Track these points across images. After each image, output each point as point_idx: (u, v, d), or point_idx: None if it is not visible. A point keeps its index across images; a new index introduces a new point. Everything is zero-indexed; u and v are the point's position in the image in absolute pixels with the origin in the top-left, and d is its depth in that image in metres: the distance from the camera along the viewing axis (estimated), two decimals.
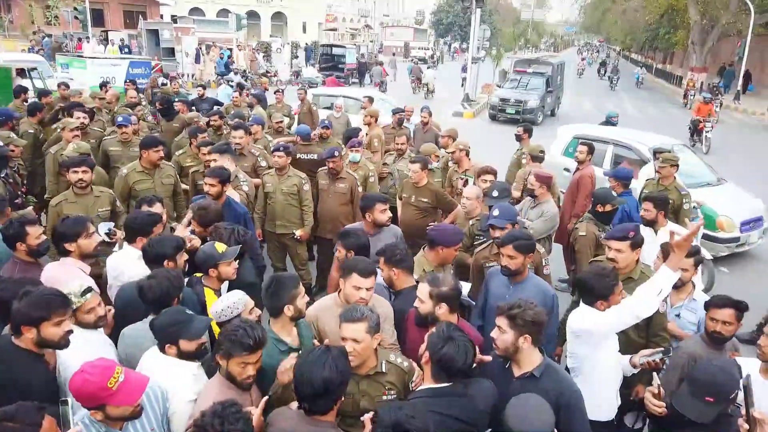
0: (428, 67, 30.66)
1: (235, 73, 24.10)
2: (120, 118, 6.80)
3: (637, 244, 3.77)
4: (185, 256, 3.63)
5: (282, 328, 2.95)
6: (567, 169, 8.81)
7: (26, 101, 8.98)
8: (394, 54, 47.13)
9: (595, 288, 3.21)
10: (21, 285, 2.83)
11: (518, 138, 8.08)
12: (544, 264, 4.38)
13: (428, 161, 6.11)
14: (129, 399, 2.20)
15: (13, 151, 6.01)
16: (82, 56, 19.27)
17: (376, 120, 8.90)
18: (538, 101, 20.01)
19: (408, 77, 29.54)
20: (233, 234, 3.90)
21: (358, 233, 3.94)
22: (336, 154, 5.95)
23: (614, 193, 5.25)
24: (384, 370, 2.79)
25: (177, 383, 2.62)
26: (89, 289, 2.86)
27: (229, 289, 3.46)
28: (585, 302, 3.28)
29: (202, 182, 5.09)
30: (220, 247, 3.56)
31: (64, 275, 3.33)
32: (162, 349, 2.70)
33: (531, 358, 2.70)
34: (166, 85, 15.19)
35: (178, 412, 2.58)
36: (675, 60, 45.58)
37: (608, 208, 5.12)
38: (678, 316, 3.99)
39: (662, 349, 3.21)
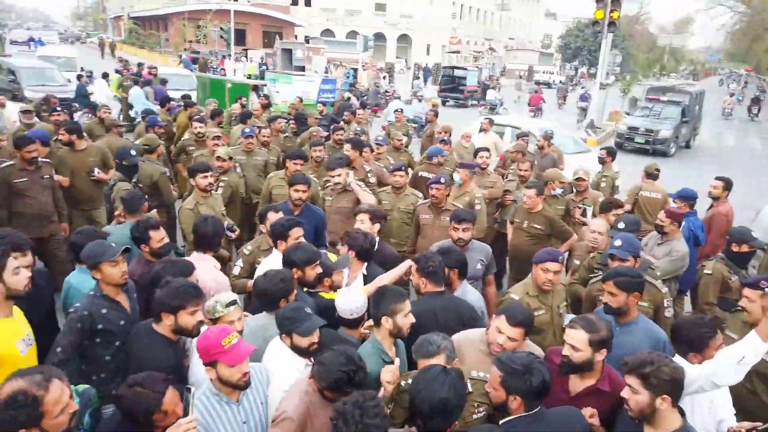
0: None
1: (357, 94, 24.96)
2: (246, 129, 7.30)
3: None
4: (318, 270, 3.62)
5: (383, 339, 2.95)
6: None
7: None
8: (520, 77, 46.51)
9: (687, 337, 2.86)
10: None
11: (601, 161, 8.08)
12: (665, 305, 4.01)
13: (542, 187, 5.89)
14: (236, 359, 2.44)
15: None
16: (289, 73, 20.92)
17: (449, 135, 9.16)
18: (671, 131, 18.69)
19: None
20: (366, 239, 4.00)
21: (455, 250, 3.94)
22: (443, 181, 5.34)
23: (753, 234, 4.71)
24: (470, 389, 2.72)
25: (281, 372, 2.76)
26: (234, 302, 3.03)
27: None
28: (678, 352, 2.92)
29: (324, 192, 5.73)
30: (333, 257, 3.66)
31: (202, 269, 3.64)
32: (281, 338, 2.89)
33: (669, 421, 2.41)
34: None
35: (271, 398, 2.71)
36: None
37: (744, 248, 4.63)
38: None
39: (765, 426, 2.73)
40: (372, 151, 7.32)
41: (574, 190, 6.63)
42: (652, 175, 7.19)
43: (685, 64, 70.98)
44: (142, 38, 49.65)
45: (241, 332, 2.94)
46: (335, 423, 2.12)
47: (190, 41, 41.19)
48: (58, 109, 7.91)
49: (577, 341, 2.74)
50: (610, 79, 24.00)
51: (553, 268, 3.71)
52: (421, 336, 2.75)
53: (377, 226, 4.57)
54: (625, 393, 2.45)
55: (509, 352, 2.69)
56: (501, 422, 2.53)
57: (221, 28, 31.86)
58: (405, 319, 2.92)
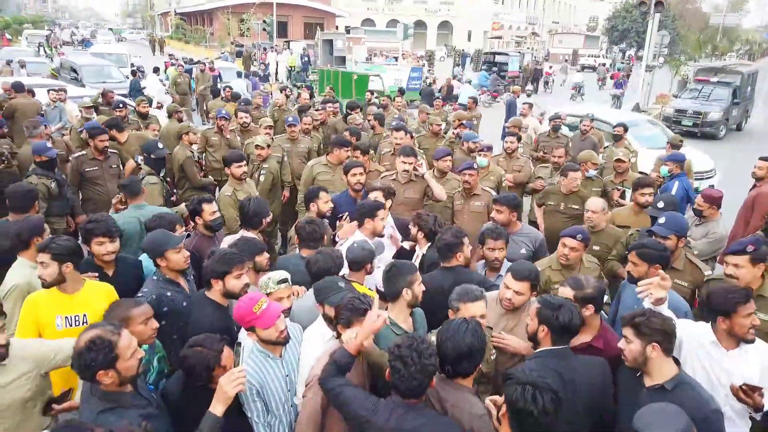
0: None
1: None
2: (290, 118, 7.60)
3: (759, 258, 3.42)
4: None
5: (399, 313, 3.13)
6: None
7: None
8: (566, 60, 45.61)
9: (716, 301, 2.96)
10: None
11: (617, 138, 8.48)
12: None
13: (580, 168, 5.95)
14: (268, 322, 2.70)
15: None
16: (385, 64, 22.51)
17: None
18: (721, 114, 18.10)
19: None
20: (435, 221, 4.27)
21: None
22: (475, 167, 5.54)
23: None
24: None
25: (312, 337, 3.04)
26: (285, 280, 3.26)
27: None
28: (709, 317, 3.05)
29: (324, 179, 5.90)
30: (371, 242, 3.88)
31: None
32: (316, 306, 3.12)
33: (662, 370, 2.61)
34: None
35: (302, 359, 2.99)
36: None
37: None
38: None
39: None
40: (412, 137, 7.51)
41: (615, 171, 6.66)
42: (676, 146, 8.08)
43: (740, 44, 67.78)
44: (189, 33, 50.95)
45: (289, 309, 3.17)
46: (394, 366, 2.32)
47: (236, 35, 42.04)
48: (121, 105, 8.30)
49: (565, 297, 3.04)
50: (659, 60, 23.23)
51: (570, 244, 3.89)
52: (459, 287, 3.04)
53: (389, 202, 4.79)
54: (621, 344, 2.69)
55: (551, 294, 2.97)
56: (532, 354, 2.84)
57: (264, 21, 32.42)
58: (420, 287, 3.15)
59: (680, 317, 3.28)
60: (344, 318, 2.74)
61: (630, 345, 2.64)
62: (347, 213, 4.74)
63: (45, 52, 30.56)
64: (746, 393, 2.69)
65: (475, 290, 2.98)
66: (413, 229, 4.37)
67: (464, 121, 8.73)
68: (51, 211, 5.53)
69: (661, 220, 4.07)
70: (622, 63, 39.95)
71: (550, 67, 33.96)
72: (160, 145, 5.86)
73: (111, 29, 64.86)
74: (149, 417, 2.38)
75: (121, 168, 6.28)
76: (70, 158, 6.47)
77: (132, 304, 2.87)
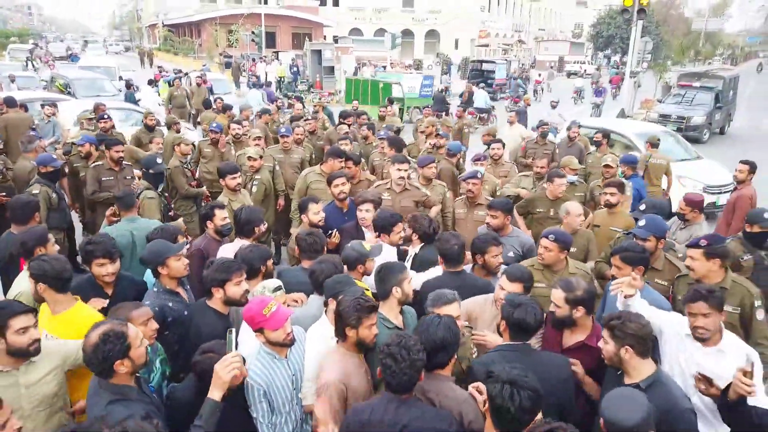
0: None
1: None
2: (283, 129, 7.73)
3: (712, 253, 3.63)
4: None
5: (390, 310, 3.29)
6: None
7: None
8: (551, 67, 46.16)
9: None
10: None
11: (596, 144, 8.52)
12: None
13: (565, 175, 6.12)
14: (277, 324, 2.81)
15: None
16: (400, 72, 24.65)
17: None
18: (704, 118, 18.45)
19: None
20: (430, 225, 4.47)
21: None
22: (479, 176, 5.62)
23: (766, 215, 4.83)
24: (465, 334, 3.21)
25: (314, 336, 3.18)
26: (280, 287, 3.38)
27: None
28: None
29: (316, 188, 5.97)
30: (367, 245, 3.98)
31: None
32: (326, 304, 3.25)
33: (639, 369, 2.73)
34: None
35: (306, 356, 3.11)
36: None
37: (756, 228, 4.79)
38: None
39: None
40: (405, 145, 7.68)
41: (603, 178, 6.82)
42: (655, 144, 8.64)
43: (723, 49, 68.83)
44: (177, 45, 50.99)
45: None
46: (385, 362, 2.46)
47: (224, 47, 42.14)
48: (105, 116, 8.40)
49: (556, 299, 3.21)
50: (643, 66, 23.64)
51: (543, 243, 4.08)
52: (432, 293, 3.17)
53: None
54: (600, 343, 2.85)
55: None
56: (494, 347, 3.02)
57: (252, 32, 32.58)
58: (410, 285, 3.32)
59: None
60: (353, 318, 2.83)
61: (606, 346, 2.79)
62: (335, 229, 4.80)
63: (33, 66, 30.49)
64: (702, 382, 2.80)
65: (448, 294, 3.12)
66: (407, 231, 4.58)
67: (441, 132, 8.76)
68: (49, 223, 5.63)
69: (641, 223, 4.27)
70: (615, 69, 40.45)
71: (539, 75, 34.34)
72: (159, 160, 5.93)
73: (96, 41, 64.46)
74: (151, 414, 2.50)
75: (136, 179, 6.44)
76: (88, 166, 6.60)
77: (132, 307, 3.01)
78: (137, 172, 6.56)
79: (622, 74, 29.87)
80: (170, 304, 3.53)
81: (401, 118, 15.50)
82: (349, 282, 3.21)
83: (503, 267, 4.00)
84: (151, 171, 5.83)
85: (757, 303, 3.62)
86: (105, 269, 3.62)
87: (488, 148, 7.96)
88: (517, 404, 2.21)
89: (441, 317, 2.73)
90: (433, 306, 3.06)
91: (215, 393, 2.54)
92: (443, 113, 16.31)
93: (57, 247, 4.04)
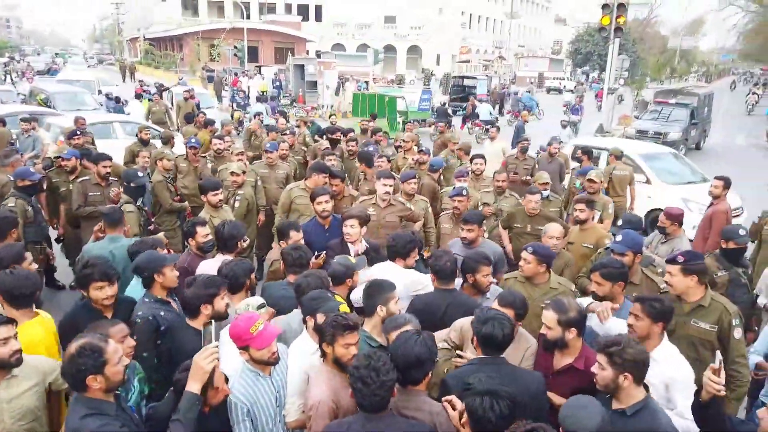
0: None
1: None
2: (268, 145, 7.72)
3: (689, 270, 3.64)
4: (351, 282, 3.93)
5: (374, 327, 3.30)
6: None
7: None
8: (531, 82, 46.84)
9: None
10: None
11: (578, 160, 8.73)
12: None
13: (539, 190, 6.19)
14: (263, 343, 2.79)
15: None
16: (400, 87, 26.11)
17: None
18: (680, 134, 18.86)
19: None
20: (414, 239, 4.44)
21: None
22: (464, 193, 5.71)
23: (741, 231, 4.96)
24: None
25: (295, 351, 3.18)
26: (263, 305, 3.37)
27: None
28: None
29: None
30: (352, 259, 4.00)
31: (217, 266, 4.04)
32: (304, 321, 3.23)
33: (630, 396, 2.69)
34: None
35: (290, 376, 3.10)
36: None
37: (731, 245, 4.89)
38: None
39: None
40: (389, 161, 7.72)
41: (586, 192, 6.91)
42: (618, 156, 8.95)
43: (697, 66, 70.46)
44: (158, 59, 50.76)
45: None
46: (356, 387, 2.46)
47: (206, 61, 42.06)
48: (78, 132, 8.30)
49: (548, 320, 3.15)
50: (619, 83, 24.15)
51: (523, 256, 4.11)
52: (388, 318, 3.19)
53: (365, 229, 4.95)
54: (594, 368, 2.75)
55: (488, 307, 3.17)
56: (467, 360, 3.02)
57: (235, 47, 32.59)
58: (396, 305, 3.32)
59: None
60: (329, 335, 2.84)
61: (603, 372, 2.70)
62: (323, 252, 4.60)
63: (11, 79, 30.13)
64: None
65: (399, 318, 3.11)
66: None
67: (423, 148, 8.83)
68: (26, 237, 5.55)
69: (618, 238, 4.35)
70: (598, 84, 41.09)
71: (517, 93, 34.71)
72: (140, 174, 5.93)
73: (77, 53, 63.78)
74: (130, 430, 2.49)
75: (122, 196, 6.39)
76: (71, 181, 6.54)
77: (108, 324, 2.98)
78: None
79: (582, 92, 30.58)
80: (162, 313, 3.50)
81: (403, 130, 15.78)
82: (325, 298, 3.19)
83: (494, 288, 4.04)
84: (132, 184, 5.81)
85: (735, 322, 3.62)
86: (104, 292, 3.46)
87: (471, 162, 8.05)
88: (497, 413, 2.27)
89: (420, 334, 2.74)
90: (387, 332, 3.05)
91: (194, 385, 2.51)
92: (447, 126, 16.65)
93: (35, 265, 3.98)
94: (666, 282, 3.81)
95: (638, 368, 2.65)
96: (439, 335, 3.34)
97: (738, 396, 3.56)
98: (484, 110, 22.53)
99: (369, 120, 12.24)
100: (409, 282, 4.03)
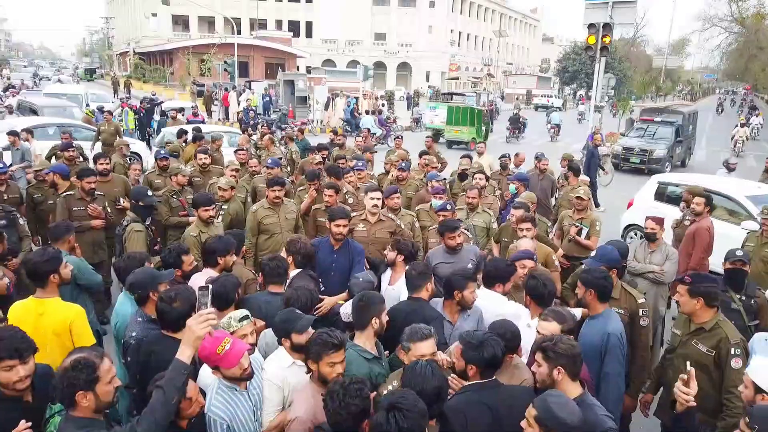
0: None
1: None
2: (269, 161, 7.71)
3: (695, 292, 3.63)
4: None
5: (366, 340, 3.31)
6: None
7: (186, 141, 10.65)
8: (517, 98, 47.41)
9: None
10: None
11: (566, 178, 8.66)
12: (641, 314, 4.26)
13: (529, 207, 6.24)
14: (231, 363, 2.74)
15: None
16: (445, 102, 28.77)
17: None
18: (666, 151, 19.15)
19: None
20: (413, 246, 4.57)
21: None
22: (449, 207, 5.75)
23: (738, 252, 4.89)
24: None
25: (269, 366, 3.16)
26: (247, 317, 3.30)
27: None
28: None
29: (323, 219, 5.73)
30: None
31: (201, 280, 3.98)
32: (279, 342, 3.20)
33: (568, 391, 2.74)
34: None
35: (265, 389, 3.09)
36: None
37: (727, 265, 4.82)
38: None
39: None
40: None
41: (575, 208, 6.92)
42: (577, 170, 8.93)
43: (682, 85, 71.66)
44: (148, 73, 50.72)
45: (254, 345, 3.26)
46: (324, 399, 2.48)
47: (196, 75, 42.13)
48: (71, 148, 8.28)
49: (550, 331, 3.20)
50: (605, 100, 24.51)
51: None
52: (408, 327, 3.14)
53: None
54: (534, 367, 2.89)
55: (470, 330, 3.20)
56: (462, 387, 2.94)
57: (225, 62, 32.65)
58: (385, 317, 3.36)
59: (602, 341, 3.62)
60: (314, 352, 2.83)
61: (540, 368, 2.82)
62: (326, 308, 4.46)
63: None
64: None
65: (424, 329, 3.06)
66: (391, 254, 4.67)
67: (402, 162, 8.52)
68: None
69: (592, 254, 4.37)
70: (584, 104, 41.62)
71: (546, 109, 35.15)
72: (150, 193, 5.82)
73: (66, 67, 63.33)
74: None
75: (109, 210, 6.36)
76: (60, 197, 6.46)
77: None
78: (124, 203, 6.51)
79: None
80: (155, 333, 3.42)
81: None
82: (295, 318, 3.15)
83: (476, 306, 3.99)
84: (140, 203, 5.68)
85: (734, 351, 3.53)
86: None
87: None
88: (395, 428, 2.24)
89: (430, 363, 2.71)
90: (409, 341, 3.03)
91: (185, 352, 2.44)
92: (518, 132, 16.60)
93: (6, 281, 3.93)
94: (676, 300, 3.83)
95: (570, 361, 2.75)
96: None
97: (726, 426, 3.43)
98: (368, 121, 23.88)
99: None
100: (511, 313, 3.85)
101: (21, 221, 5.92)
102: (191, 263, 4.38)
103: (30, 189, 7.01)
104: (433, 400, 2.55)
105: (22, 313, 3.52)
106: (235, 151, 8.84)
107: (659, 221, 5.80)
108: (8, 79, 40.01)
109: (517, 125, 27.56)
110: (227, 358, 2.73)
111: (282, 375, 3.08)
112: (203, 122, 16.61)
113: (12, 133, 9.84)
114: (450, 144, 23.55)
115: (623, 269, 5.26)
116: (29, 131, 10.35)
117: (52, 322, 3.52)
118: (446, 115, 24.22)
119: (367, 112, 26.75)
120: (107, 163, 7.02)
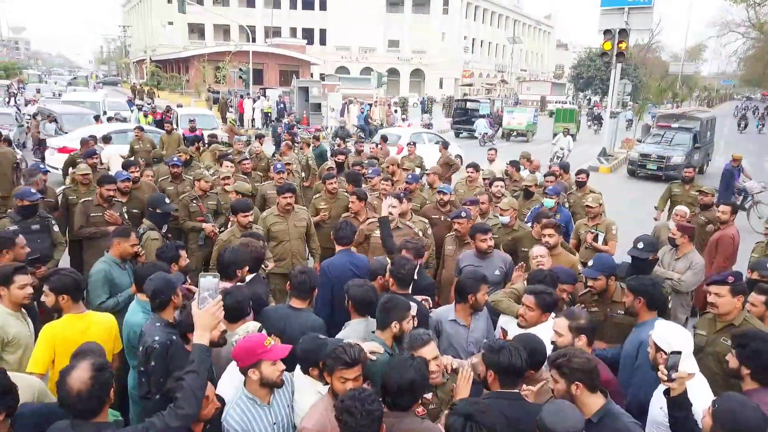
0: None
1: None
2: (278, 165, 7.69)
3: (738, 290, 3.69)
4: None
5: (387, 339, 3.32)
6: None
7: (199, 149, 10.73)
8: (532, 104, 47.23)
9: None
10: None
11: (579, 184, 8.37)
12: None
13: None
14: (277, 355, 2.76)
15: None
16: (523, 108, 33.86)
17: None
18: (683, 157, 18.88)
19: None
20: (411, 265, 4.37)
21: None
22: (463, 215, 5.59)
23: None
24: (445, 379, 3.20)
25: (303, 387, 3.07)
26: (262, 329, 3.26)
27: None
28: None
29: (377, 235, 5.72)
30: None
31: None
32: (305, 372, 3.05)
33: (589, 405, 2.69)
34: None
35: (297, 405, 3.01)
36: None
37: (754, 276, 4.68)
38: None
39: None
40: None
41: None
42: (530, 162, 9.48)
43: (699, 91, 70.97)
44: (164, 80, 51.29)
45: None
46: (342, 418, 2.38)
47: (211, 83, 42.48)
48: (94, 155, 8.34)
49: (559, 327, 3.26)
50: (620, 108, 24.35)
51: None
52: (407, 336, 3.20)
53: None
54: (550, 384, 2.82)
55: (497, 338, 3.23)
56: (483, 395, 2.94)
57: (240, 69, 32.91)
58: (408, 324, 3.33)
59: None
60: (328, 365, 2.77)
61: (557, 385, 2.76)
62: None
63: (15, 102, 30.36)
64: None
65: (423, 335, 3.08)
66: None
67: (409, 175, 8.27)
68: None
69: (590, 263, 4.39)
70: (600, 109, 41.13)
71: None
72: (167, 201, 5.79)
73: (86, 76, 64.01)
74: None
75: (125, 217, 6.35)
76: (79, 203, 6.47)
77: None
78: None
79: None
80: (174, 337, 3.37)
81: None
82: (322, 345, 3.01)
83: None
84: (158, 211, 5.63)
85: None
86: None
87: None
88: None
89: (415, 359, 2.74)
90: (411, 348, 3.00)
91: (203, 336, 2.52)
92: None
93: (30, 290, 3.89)
94: (711, 302, 3.77)
95: (587, 375, 2.69)
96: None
97: None
98: (481, 124, 26.92)
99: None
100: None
101: (55, 228, 5.88)
102: (186, 259, 4.51)
103: (66, 190, 7.05)
104: (404, 390, 2.62)
105: (69, 332, 3.53)
106: (239, 162, 8.81)
107: (686, 230, 5.72)
108: (21, 92, 39.39)
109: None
110: (273, 351, 2.74)
111: (315, 396, 2.98)
112: (201, 137, 16.64)
113: (89, 140, 10.03)
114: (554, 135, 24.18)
115: (654, 263, 5.39)
116: (106, 138, 11.11)
117: (96, 333, 3.62)
118: (555, 114, 30.48)
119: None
120: (137, 171, 7.20)
